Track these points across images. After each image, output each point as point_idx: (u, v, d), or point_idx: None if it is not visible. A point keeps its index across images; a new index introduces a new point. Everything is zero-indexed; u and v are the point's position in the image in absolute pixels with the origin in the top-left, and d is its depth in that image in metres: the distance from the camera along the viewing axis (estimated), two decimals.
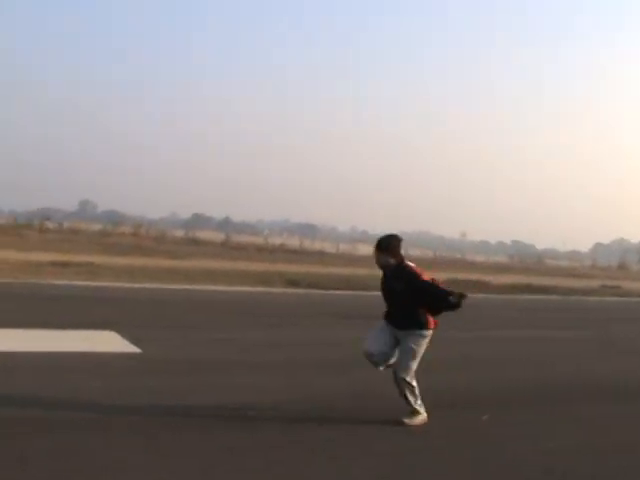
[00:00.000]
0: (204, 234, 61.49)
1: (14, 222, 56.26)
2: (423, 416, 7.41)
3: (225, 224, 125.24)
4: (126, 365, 9.52)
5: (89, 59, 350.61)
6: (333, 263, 37.72)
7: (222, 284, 22.70)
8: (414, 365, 7.33)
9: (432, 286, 7.35)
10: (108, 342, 10.93)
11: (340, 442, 6.65)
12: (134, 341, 10.82)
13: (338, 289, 24.03)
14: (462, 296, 7.20)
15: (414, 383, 7.37)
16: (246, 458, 6.02)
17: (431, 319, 7.38)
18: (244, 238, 65.14)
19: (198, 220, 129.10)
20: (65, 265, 23.69)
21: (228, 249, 47.55)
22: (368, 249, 54.54)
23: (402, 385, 7.34)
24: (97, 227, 58.44)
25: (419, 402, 7.42)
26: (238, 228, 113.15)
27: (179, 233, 60.62)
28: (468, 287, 29.35)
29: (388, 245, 7.45)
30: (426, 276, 7.46)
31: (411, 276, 7.35)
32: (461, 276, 35.09)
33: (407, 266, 7.46)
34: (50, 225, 55.23)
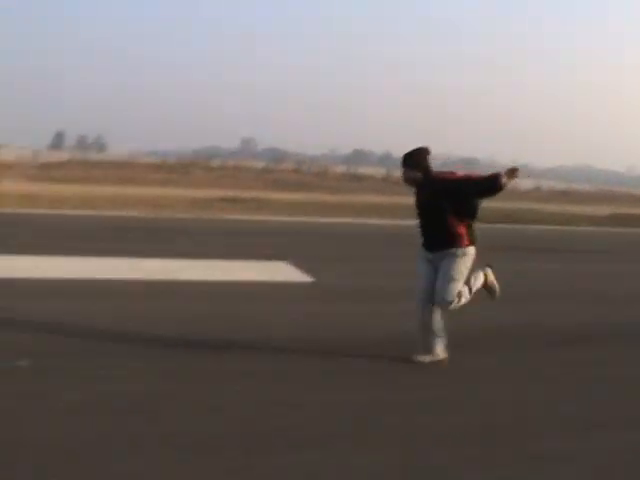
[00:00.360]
0: (365, 170, 61.72)
1: (181, 161, 58.27)
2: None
3: (386, 159, 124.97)
4: (302, 293, 9.95)
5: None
6: (495, 197, 36.72)
7: (385, 217, 22.95)
8: (458, 287, 6.64)
9: (470, 177, 6.73)
10: (282, 272, 11.38)
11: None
12: (306, 271, 11.23)
13: (500, 222, 23.68)
14: (514, 170, 6.48)
15: (465, 290, 6.68)
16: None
17: (464, 235, 6.66)
18: None
19: (358, 156, 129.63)
20: (233, 201, 24.59)
21: (389, 184, 47.62)
22: (530, 184, 53.47)
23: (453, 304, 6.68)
24: (259, 165, 59.66)
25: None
26: (399, 163, 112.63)
27: (340, 169, 61.00)
28: (629, 221, 28.39)
29: (412, 158, 6.79)
30: (458, 174, 6.79)
31: (441, 181, 6.68)
32: (623, 210, 33.96)
33: (436, 174, 6.77)
34: (214, 163, 56.86)
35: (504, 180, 6.43)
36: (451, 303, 6.66)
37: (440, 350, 6.75)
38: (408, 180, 6.86)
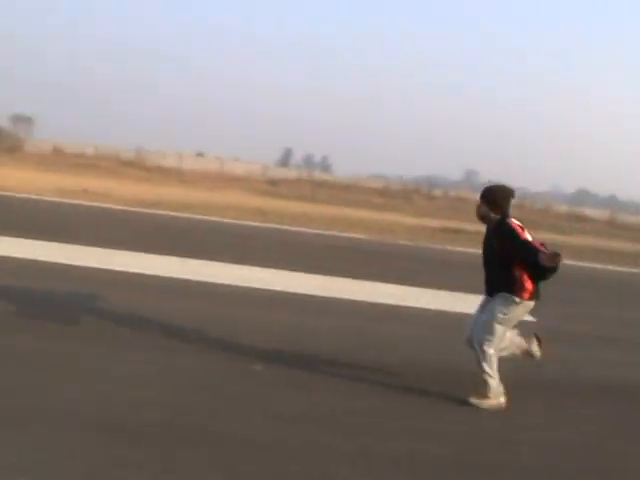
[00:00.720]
0: (588, 211, 59.94)
1: (404, 187, 59.02)
2: (497, 401, 6.29)
3: (610, 202, 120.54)
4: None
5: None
6: None
7: (606, 262, 22.22)
8: (495, 333, 6.29)
9: (524, 243, 6.14)
10: None
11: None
12: None
13: None
14: (555, 256, 5.90)
15: (491, 351, 6.27)
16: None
17: (528, 287, 6.21)
18: (632, 218, 62.39)
19: (582, 195, 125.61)
20: (456, 232, 24.68)
21: (613, 228, 46.02)
22: None
23: (477, 354, 6.32)
24: None
25: (496, 381, 6.28)
26: (624, 207, 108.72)
27: (562, 208, 59.49)
28: None
29: (490, 195, 6.43)
30: (526, 235, 6.24)
31: (508, 233, 6.24)
32: None
33: (508, 223, 6.31)
34: (437, 192, 57.16)
35: (543, 258, 5.96)
36: (480, 348, 6.31)
37: (492, 393, 6.31)
38: (481, 217, 6.58)
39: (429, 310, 10.53)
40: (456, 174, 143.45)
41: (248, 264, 12.39)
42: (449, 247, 20.18)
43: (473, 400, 6.29)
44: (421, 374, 7.04)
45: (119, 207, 21.02)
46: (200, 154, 77.13)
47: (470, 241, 22.31)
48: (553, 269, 6.12)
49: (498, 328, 6.31)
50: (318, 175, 65.76)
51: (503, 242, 6.29)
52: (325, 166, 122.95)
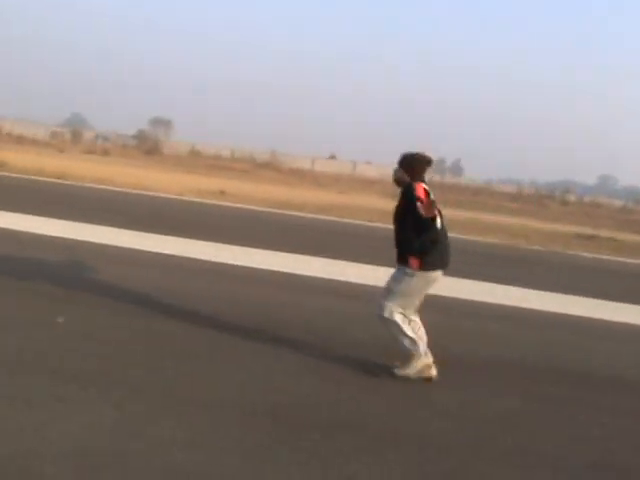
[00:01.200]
0: None
1: (537, 192, 58.09)
2: (422, 362, 6.41)
3: None
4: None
5: None
6: None
7: None
8: (393, 302, 6.31)
9: (414, 198, 6.06)
10: None
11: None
12: None
13: None
14: (431, 204, 5.87)
15: (396, 318, 6.33)
16: None
17: (413, 259, 6.21)
18: None
19: None
20: (590, 238, 24.21)
21: None
22: None
23: (386, 325, 6.42)
24: (617, 203, 57.84)
25: (415, 344, 6.38)
26: None
27: None
28: None
29: (406, 160, 6.45)
30: (422, 194, 6.10)
31: (408, 191, 6.23)
32: None
33: (412, 184, 6.23)
34: (570, 198, 56.01)
35: (420, 206, 5.98)
36: (382, 317, 6.39)
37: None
38: (396, 181, 6.57)
39: (545, 312, 10.56)
40: (591, 179, 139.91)
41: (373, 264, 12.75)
42: (581, 253, 19.80)
43: (397, 371, 6.48)
44: (540, 376, 7.12)
45: (256, 208, 21.70)
46: (332, 157, 78.04)
47: (603, 248, 21.90)
48: (434, 238, 6.18)
49: (395, 298, 6.36)
50: (449, 179, 65.44)
51: (404, 201, 6.31)
52: (456, 170, 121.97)
